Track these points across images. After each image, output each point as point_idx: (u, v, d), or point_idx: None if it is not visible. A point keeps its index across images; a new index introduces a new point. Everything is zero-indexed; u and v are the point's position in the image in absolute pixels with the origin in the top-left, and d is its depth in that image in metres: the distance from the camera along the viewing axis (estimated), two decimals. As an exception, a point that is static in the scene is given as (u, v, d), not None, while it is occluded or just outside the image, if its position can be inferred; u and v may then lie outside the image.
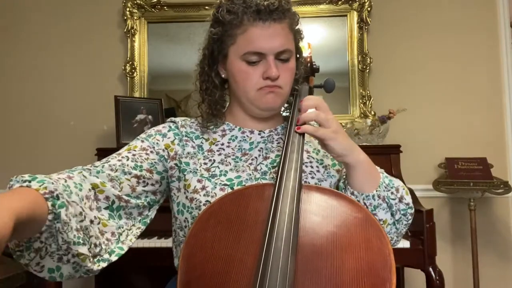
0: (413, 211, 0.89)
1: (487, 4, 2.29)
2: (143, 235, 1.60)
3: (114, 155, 0.86)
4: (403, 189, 0.88)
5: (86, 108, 2.34)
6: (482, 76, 2.26)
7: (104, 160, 0.85)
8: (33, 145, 2.34)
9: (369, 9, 2.27)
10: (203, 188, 0.86)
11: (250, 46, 0.86)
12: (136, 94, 2.30)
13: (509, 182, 2.03)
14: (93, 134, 2.31)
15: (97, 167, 0.80)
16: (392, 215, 0.87)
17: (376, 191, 0.84)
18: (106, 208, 0.77)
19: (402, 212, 0.87)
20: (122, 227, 0.79)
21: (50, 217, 0.61)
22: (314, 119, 0.83)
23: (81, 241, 0.65)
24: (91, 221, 0.70)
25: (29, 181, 0.62)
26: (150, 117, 2.10)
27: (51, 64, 2.37)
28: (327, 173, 0.94)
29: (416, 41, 2.29)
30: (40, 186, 0.61)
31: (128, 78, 2.31)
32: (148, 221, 0.86)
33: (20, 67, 2.38)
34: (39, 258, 0.65)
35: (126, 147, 0.90)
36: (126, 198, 0.80)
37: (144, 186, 0.85)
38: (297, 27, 0.94)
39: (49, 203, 0.60)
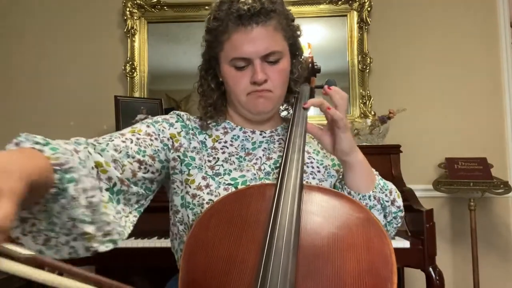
0: (403, 214, 0.91)
1: (487, 4, 2.29)
2: (143, 235, 1.61)
3: (117, 134, 0.83)
4: (395, 192, 0.91)
5: (86, 108, 2.33)
6: (482, 76, 2.26)
7: (107, 137, 0.81)
8: (33, 145, 2.34)
9: (369, 9, 2.27)
10: (207, 186, 0.86)
11: (235, 52, 0.86)
12: (136, 94, 2.30)
13: (509, 182, 2.02)
14: (93, 134, 2.26)
15: (101, 144, 0.76)
16: (384, 216, 0.88)
17: (373, 191, 0.86)
18: (106, 190, 0.72)
19: (393, 215, 0.89)
20: (120, 213, 0.74)
21: (53, 190, 0.56)
22: (337, 97, 0.86)
23: (90, 220, 0.61)
24: (100, 200, 0.65)
25: (42, 145, 0.57)
26: (150, 117, 2.10)
27: (51, 64, 2.37)
28: (327, 173, 0.95)
29: (416, 41, 2.29)
30: (52, 154, 0.57)
31: (128, 78, 2.31)
32: (142, 211, 0.82)
33: (20, 66, 2.38)
34: (20, 232, 0.58)
35: (129, 129, 0.87)
36: (127, 182, 0.76)
37: (144, 173, 0.82)
38: (289, 25, 0.91)
39: (56, 176, 0.56)
